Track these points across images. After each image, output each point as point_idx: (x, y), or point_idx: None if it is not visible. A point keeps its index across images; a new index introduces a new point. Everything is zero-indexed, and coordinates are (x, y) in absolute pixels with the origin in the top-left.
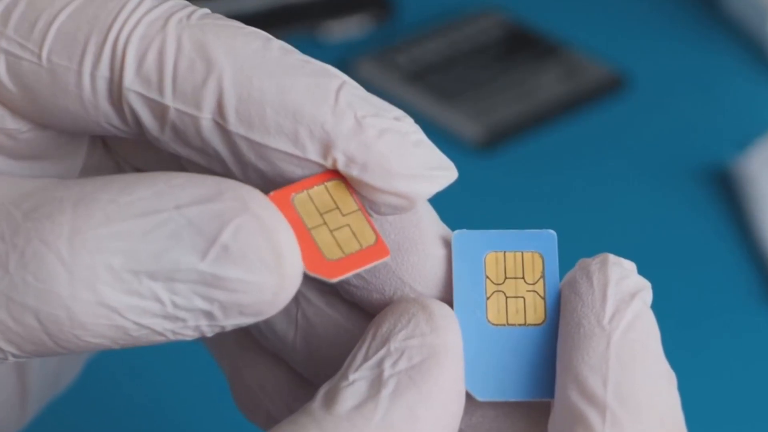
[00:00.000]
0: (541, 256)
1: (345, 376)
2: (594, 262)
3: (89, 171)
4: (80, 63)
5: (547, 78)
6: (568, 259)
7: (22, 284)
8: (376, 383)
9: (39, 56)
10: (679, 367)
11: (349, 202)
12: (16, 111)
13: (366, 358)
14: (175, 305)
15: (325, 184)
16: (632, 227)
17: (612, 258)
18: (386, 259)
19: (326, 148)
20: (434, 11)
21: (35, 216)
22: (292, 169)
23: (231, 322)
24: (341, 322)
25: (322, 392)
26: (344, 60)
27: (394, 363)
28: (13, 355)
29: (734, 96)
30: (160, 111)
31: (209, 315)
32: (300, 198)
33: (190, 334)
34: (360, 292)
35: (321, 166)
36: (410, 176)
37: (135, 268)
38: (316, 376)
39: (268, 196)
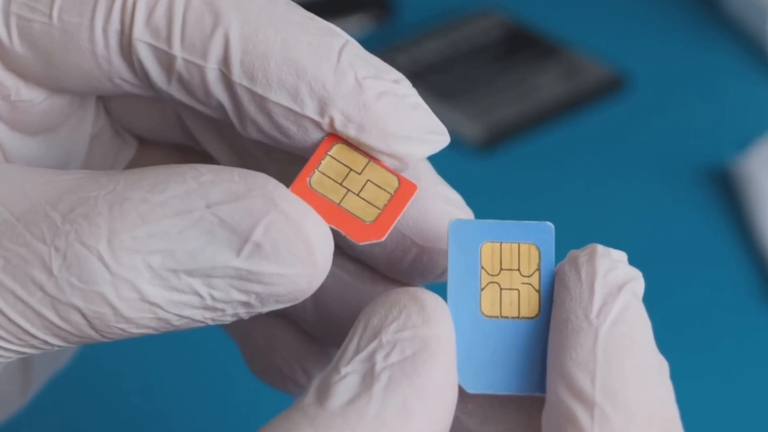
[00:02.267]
0: (538, 249)
1: (336, 370)
2: (582, 254)
3: (93, 143)
4: (92, 18)
5: (547, 78)
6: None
7: (67, 286)
8: (369, 377)
9: (50, 16)
10: (679, 367)
11: (358, 159)
12: (29, 78)
13: (357, 351)
14: (213, 298)
15: (328, 153)
16: (632, 227)
17: (600, 249)
18: (417, 192)
19: (324, 106)
20: (434, 11)
21: (72, 217)
22: (289, 125)
23: (268, 308)
24: (348, 279)
25: (313, 387)
26: None
27: (386, 356)
28: (59, 346)
29: (734, 96)
30: (167, 61)
31: (247, 304)
32: (315, 179)
33: (228, 320)
34: (363, 247)
35: (317, 124)
36: (406, 138)
37: (173, 266)
38: (325, 334)
39: (289, 189)
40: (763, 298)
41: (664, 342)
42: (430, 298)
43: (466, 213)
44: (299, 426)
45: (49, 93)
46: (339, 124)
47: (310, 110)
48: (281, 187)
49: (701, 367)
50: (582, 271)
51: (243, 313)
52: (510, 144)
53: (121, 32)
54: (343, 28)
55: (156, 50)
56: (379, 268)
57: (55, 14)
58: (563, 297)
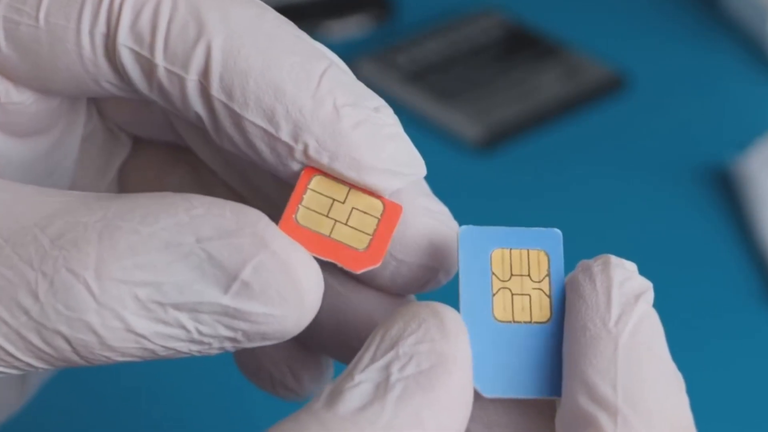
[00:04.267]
0: (547, 255)
1: (350, 376)
2: (596, 264)
3: (86, 143)
4: (78, 21)
5: (547, 78)
6: (568, 258)
7: (53, 312)
8: (383, 386)
9: (36, 18)
10: (679, 367)
11: (338, 189)
12: (18, 80)
13: (373, 360)
14: (200, 333)
15: (309, 187)
16: (632, 227)
17: (614, 259)
18: (400, 222)
19: (299, 131)
20: (434, 11)
21: (61, 243)
22: (263, 147)
23: (254, 344)
24: (338, 289)
25: (326, 392)
26: (344, 60)
27: (403, 367)
28: (43, 369)
29: (734, 96)
30: (149, 68)
31: (233, 340)
32: (301, 214)
33: (215, 353)
34: (361, 274)
35: (290, 149)
36: (378, 170)
37: (160, 299)
38: (315, 341)
39: (278, 227)
40: (763, 298)
41: None
42: (450, 313)
43: (448, 225)
44: (309, 429)
45: (38, 95)
46: (312, 151)
47: (285, 134)
48: (272, 225)
49: (701, 367)
50: (597, 280)
51: (229, 347)
52: (510, 144)
53: (107, 35)
54: (343, 28)
55: (139, 56)
56: (362, 279)
57: (41, 17)
58: (578, 305)
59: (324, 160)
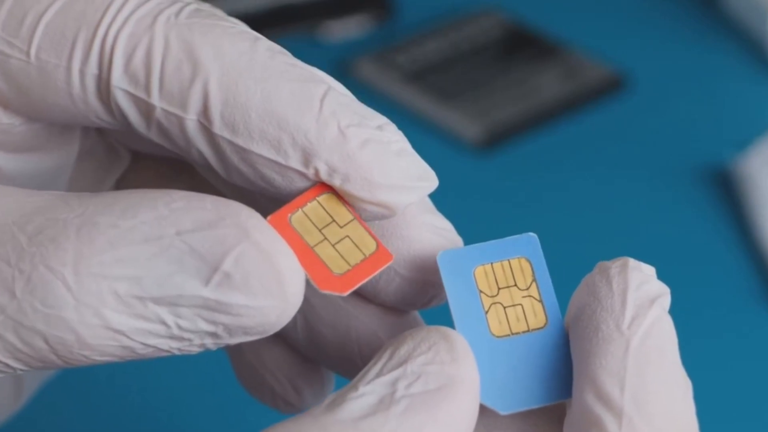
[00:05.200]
0: (528, 261)
1: (354, 387)
2: (614, 266)
3: (84, 156)
4: (69, 60)
5: (547, 78)
6: (567, 258)
7: (30, 310)
8: (387, 400)
9: (27, 53)
10: None
11: (343, 213)
12: (7, 107)
13: (379, 375)
14: (180, 327)
15: (317, 198)
16: (632, 227)
17: (632, 262)
18: (390, 263)
19: (308, 157)
20: (434, 11)
21: (39, 239)
22: (274, 176)
23: (235, 340)
24: (339, 302)
25: (328, 400)
26: (344, 60)
27: (409, 385)
28: (21, 370)
29: (734, 96)
30: (146, 109)
31: (214, 335)
32: (297, 217)
33: (195, 351)
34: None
35: (302, 174)
36: (391, 187)
37: (140, 293)
38: (316, 355)
39: (266, 220)
40: (763, 298)
41: None
42: (460, 340)
43: (452, 241)
44: (307, 430)
45: (28, 119)
46: (324, 175)
47: (294, 161)
48: (255, 216)
49: (701, 367)
50: (614, 282)
51: (210, 343)
52: (510, 144)
53: (99, 77)
54: (343, 28)
55: (135, 98)
56: (366, 294)
57: (32, 52)
58: (593, 306)
59: (336, 182)
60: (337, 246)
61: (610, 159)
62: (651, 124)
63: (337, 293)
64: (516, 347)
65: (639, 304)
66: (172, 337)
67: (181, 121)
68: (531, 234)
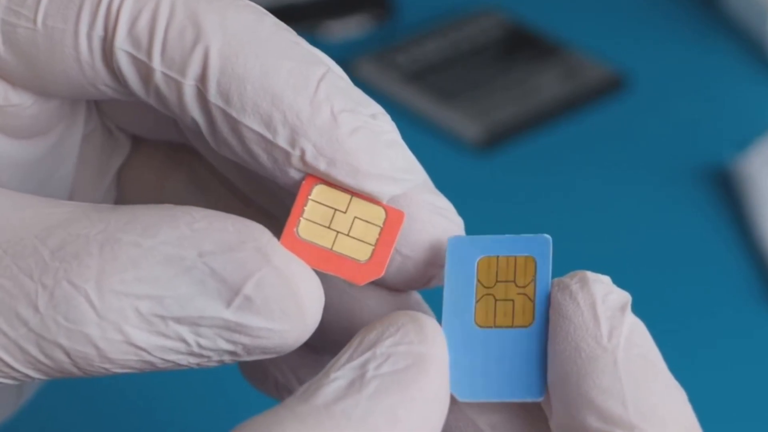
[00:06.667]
0: (534, 260)
1: (326, 374)
2: (573, 282)
3: (87, 142)
4: (76, 23)
5: (547, 78)
6: (567, 258)
7: (53, 324)
8: (358, 382)
9: (34, 21)
10: (678, 368)
11: (340, 198)
12: (16, 83)
13: (350, 360)
14: (200, 346)
15: (310, 198)
16: (632, 227)
17: (591, 275)
18: (406, 218)
19: (296, 137)
20: (434, 11)
21: (62, 255)
22: (260, 152)
23: (253, 358)
24: (345, 288)
25: (302, 389)
26: (344, 60)
27: (379, 366)
28: (40, 380)
29: (734, 96)
30: (146, 73)
31: (233, 353)
32: (302, 227)
33: (213, 365)
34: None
35: (287, 155)
36: (378, 176)
37: (161, 312)
38: (322, 343)
39: (279, 242)
40: (763, 298)
41: (664, 342)
42: (428, 320)
43: (453, 221)
44: (283, 420)
45: (37, 97)
46: (309, 157)
47: (282, 139)
48: (274, 240)
49: (701, 367)
50: (578, 298)
51: (228, 360)
52: (510, 144)
53: (105, 39)
54: (343, 28)
55: (136, 60)
56: None
57: (39, 19)
58: (565, 326)
59: (321, 166)
60: (351, 233)
61: (610, 159)
62: (651, 124)
63: (375, 278)
64: (494, 340)
65: (610, 315)
66: (192, 354)
67: (179, 86)
68: (546, 236)
